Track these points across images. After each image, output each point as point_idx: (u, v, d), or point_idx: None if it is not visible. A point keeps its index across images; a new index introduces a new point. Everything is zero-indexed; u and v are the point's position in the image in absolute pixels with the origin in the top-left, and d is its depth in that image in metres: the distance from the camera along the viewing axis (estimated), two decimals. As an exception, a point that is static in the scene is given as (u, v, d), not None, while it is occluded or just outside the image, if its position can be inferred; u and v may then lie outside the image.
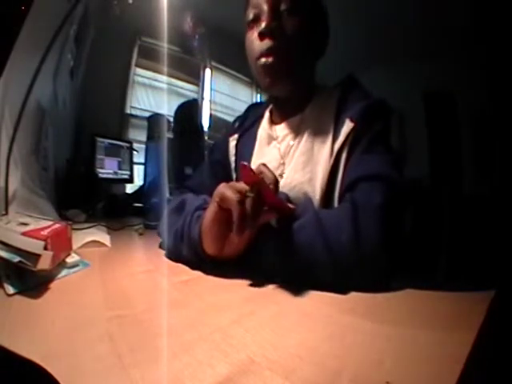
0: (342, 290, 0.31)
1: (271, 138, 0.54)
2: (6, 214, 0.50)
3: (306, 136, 0.49)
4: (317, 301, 0.30)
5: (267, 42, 0.46)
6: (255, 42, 0.48)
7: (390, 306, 0.29)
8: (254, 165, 0.53)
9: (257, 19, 0.48)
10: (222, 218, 0.36)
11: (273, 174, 0.35)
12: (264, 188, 0.33)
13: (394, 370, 0.18)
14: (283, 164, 0.50)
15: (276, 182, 0.35)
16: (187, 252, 0.40)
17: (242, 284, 0.34)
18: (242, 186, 0.34)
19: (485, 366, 0.22)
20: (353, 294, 0.31)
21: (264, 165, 0.36)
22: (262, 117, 0.60)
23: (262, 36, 0.46)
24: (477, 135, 1.64)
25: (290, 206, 0.37)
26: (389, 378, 0.17)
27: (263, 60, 0.47)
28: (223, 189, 0.35)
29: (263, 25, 0.46)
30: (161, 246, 0.51)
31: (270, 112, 0.58)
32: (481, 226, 1.12)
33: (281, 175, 0.49)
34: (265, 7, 0.46)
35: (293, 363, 0.20)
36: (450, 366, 0.19)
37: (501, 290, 0.29)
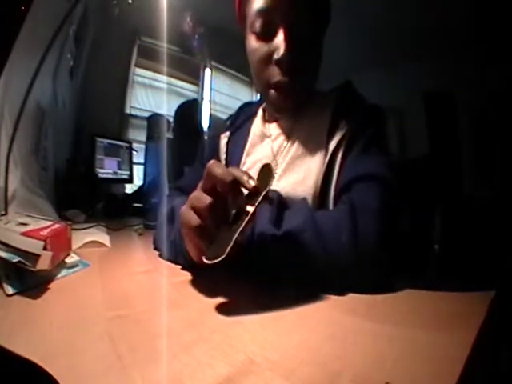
0: (342, 291, 0.31)
1: (264, 136, 0.54)
2: (6, 213, 0.50)
3: (300, 137, 0.49)
4: (317, 301, 0.30)
5: (284, 78, 0.44)
6: (269, 67, 0.45)
7: (391, 307, 0.29)
8: (244, 161, 0.53)
9: (267, 32, 0.44)
10: (191, 241, 0.34)
11: (227, 171, 0.30)
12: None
13: (395, 371, 0.18)
14: (276, 164, 0.49)
15: (235, 181, 0.30)
16: (184, 262, 0.40)
17: (242, 285, 0.34)
18: (203, 201, 0.30)
19: (485, 366, 0.22)
20: (354, 295, 0.31)
21: (215, 164, 0.31)
22: (254, 115, 0.59)
23: (279, 64, 0.44)
24: (477, 135, 1.64)
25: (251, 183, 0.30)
26: (389, 379, 0.17)
27: (275, 92, 0.46)
28: (183, 211, 0.32)
29: (281, 51, 0.42)
30: (156, 248, 0.51)
31: (263, 110, 0.57)
32: (481, 227, 1.12)
33: None
34: (280, 30, 0.43)
35: (293, 364, 0.19)
36: (450, 366, 0.19)
37: (501, 290, 0.29)
